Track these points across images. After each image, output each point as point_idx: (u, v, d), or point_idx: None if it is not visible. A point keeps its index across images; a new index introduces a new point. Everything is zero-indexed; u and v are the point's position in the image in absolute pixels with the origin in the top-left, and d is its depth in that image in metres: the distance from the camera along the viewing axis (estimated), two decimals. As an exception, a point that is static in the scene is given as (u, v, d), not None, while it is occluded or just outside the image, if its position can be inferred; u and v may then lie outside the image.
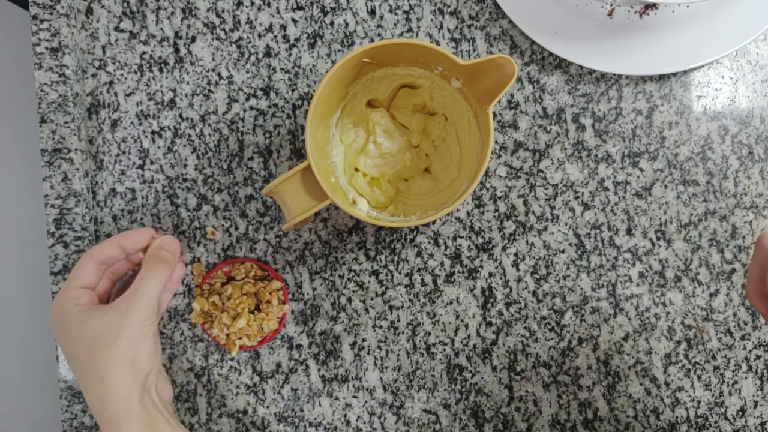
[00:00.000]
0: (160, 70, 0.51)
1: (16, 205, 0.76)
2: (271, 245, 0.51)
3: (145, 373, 0.40)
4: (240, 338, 0.50)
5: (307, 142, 0.40)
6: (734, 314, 0.51)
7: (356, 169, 0.49)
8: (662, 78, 0.50)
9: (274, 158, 0.51)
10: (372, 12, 0.51)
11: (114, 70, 0.51)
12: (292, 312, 0.51)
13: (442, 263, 0.51)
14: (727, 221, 0.50)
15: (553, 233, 0.51)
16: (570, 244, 0.51)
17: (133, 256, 0.45)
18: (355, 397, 0.52)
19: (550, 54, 0.50)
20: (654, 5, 0.48)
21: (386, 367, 0.51)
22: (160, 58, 0.51)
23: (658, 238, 0.51)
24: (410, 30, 0.51)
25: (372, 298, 0.51)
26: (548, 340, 0.51)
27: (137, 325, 0.39)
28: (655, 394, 0.51)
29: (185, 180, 0.51)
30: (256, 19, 0.51)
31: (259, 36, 0.51)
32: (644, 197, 0.51)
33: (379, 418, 0.52)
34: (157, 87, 0.51)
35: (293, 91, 0.51)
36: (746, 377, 0.51)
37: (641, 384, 0.51)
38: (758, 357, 0.51)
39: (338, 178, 0.47)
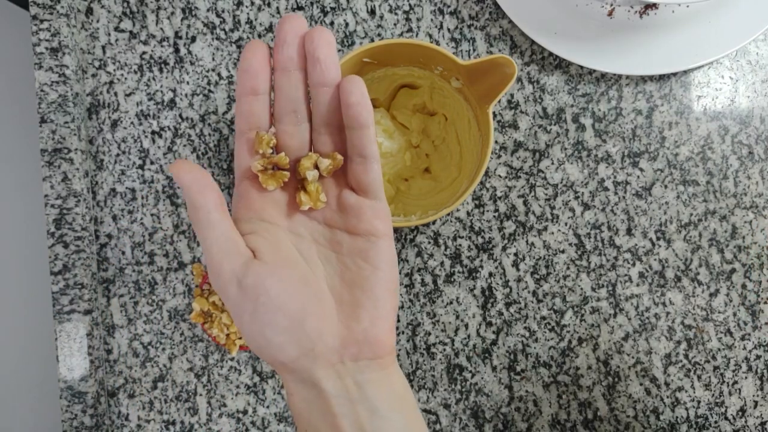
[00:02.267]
0: (160, 70, 0.51)
1: (16, 205, 0.76)
2: (271, 245, 0.51)
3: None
4: (240, 338, 0.50)
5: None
6: (734, 314, 0.51)
7: (356, 169, 0.49)
8: (662, 78, 0.50)
9: (274, 158, 0.51)
10: (372, 12, 0.51)
11: (114, 70, 0.51)
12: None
13: (442, 263, 0.51)
14: (727, 221, 0.50)
15: (553, 233, 0.51)
16: (570, 244, 0.51)
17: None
18: (355, 397, 0.51)
19: (550, 54, 0.50)
20: (654, 5, 0.48)
21: (386, 367, 0.51)
22: (160, 58, 0.51)
23: (658, 238, 0.51)
24: (410, 30, 0.51)
25: (372, 298, 0.51)
26: (548, 340, 0.51)
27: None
28: (655, 394, 0.51)
29: (185, 180, 0.51)
30: (256, 19, 0.51)
31: (259, 36, 0.51)
32: (644, 197, 0.51)
33: (379, 418, 0.52)
34: (157, 87, 0.51)
35: (293, 91, 0.51)
36: (746, 377, 0.51)
37: (641, 384, 0.51)
38: (758, 357, 0.51)
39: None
